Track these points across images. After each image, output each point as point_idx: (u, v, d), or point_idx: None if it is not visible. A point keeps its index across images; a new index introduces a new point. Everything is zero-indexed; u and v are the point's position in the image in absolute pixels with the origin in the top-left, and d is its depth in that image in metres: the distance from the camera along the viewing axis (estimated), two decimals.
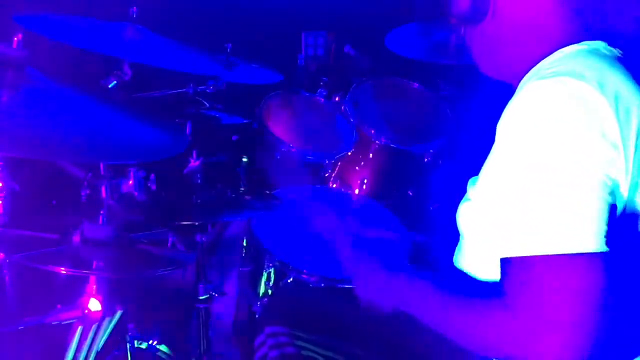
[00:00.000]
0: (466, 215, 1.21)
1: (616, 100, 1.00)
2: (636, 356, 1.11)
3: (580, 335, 0.94)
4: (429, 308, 1.14)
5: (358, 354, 1.39)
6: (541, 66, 1.12)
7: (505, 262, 1.02)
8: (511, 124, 1.03)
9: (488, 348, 1.04)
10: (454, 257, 1.29)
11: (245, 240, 2.05)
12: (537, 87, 1.03)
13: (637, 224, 1.05)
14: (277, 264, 1.84)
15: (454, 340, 1.09)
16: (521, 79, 1.14)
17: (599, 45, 1.11)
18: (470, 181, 1.23)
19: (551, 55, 1.12)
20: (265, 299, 1.88)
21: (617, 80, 1.03)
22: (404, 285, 1.21)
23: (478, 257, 1.19)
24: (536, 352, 0.95)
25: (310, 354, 1.39)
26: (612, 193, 0.99)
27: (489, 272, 1.16)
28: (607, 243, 0.96)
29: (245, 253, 2.04)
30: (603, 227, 0.96)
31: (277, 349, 1.41)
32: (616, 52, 1.11)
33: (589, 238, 0.96)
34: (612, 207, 0.98)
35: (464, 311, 1.07)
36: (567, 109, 0.99)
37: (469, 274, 1.21)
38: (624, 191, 1.00)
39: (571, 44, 1.12)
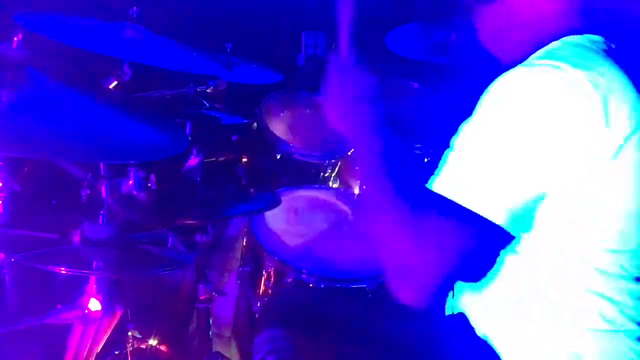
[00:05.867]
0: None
1: (605, 94, 1.03)
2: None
3: (437, 274, 1.05)
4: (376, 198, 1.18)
5: (357, 358, 1.39)
6: (538, 54, 1.14)
7: (432, 193, 1.08)
8: (493, 94, 1.07)
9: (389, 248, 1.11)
10: None
11: (245, 240, 2.05)
12: (525, 69, 1.07)
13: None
14: (276, 264, 1.83)
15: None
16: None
17: (597, 39, 1.13)
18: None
19: (549, 45, 1.14)
20: (265, 299, 1.87)
21: (610, 74, 1.06)
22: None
23: None
24: (408, 267, 1.06)
25: (309, 358, 1.39)
26: (553, 184, 1.04)
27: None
28: (510, 221, 1.04)
29: (245, 253, 2.04)
30: (518, 207, 1.04)
31: (275, 354, 1.40)
32: (613, 47, 1.12)
33: (499, 209, 1.03)
34: (543, 195, 1.05)
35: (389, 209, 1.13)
36: (550, 93, 1.02)
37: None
38: (580, 177, 1.05)
39: (572, 34, 1.14)
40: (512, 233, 1.07)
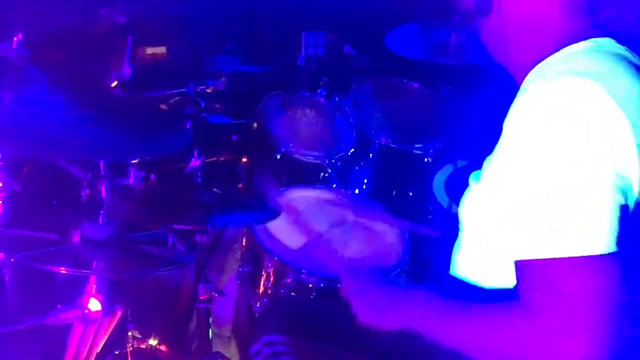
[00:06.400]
0: (470, 209, 1.20)
1: (625, 98, 1.00)
2: None
3: (597, 336, 0.94)
4: (442, 322, 1.12)
5: None
6: (548, 63, 1.12)
7: (522, 265, 1.01)
8: (520, 124, 1.02)
9: (512, 356, 1.02)
10: (453, 253, 1.29)
11: (245, 240, 2.05)
12: (545, 87, 1.02)
13: None
14: (276, 263, 1.83)
15: (474, 354, 1.07)
16: (526, 74, 1.14)
17: (606, 42, 1.11)
18: (472, 175, 1.22)
19: (558, 53, 1.12)
20: (265, 300, 1.87)
21: (626, 78, 1.03)
22: (411, 302, 1.19)
23: (477, 252, 1.19)
24: (558, 354, 0.95)
25: None
26: (624, 193, 0.98)
27: (487, 269, 1.16)
28: (620, 243, 0.96)
29: (244, 253, 2.03)
30: (615, 228, 0.96)
31: (273, 358, 1.40)
32: (623, 49, 1.11)
33: (602, 239, 0.95)
34: (624, 208, 0.98)
35: (482, 321, 1.05)
36: (576, 110, 0.98)
37: (470, 282, 1.20)
38: (636, 191, 1.00)
39: (578, 41, 1.12)
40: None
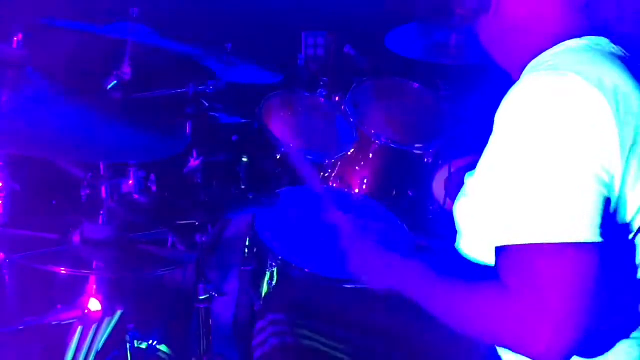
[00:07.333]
0: (463, 209, 1.21)
1: (615, 95, 1.01)
2: (619, 340, 1.12)
3: (572, 323, 0.96)
4: (426, 290, 1.16)
5: (361, 344, 1.39)
6: (541, 59, 1.13)
7: (501, 250, 1.03)
8: (508, 115, 1.04)
9: (483, 333, 1.06)
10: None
11: (247, 239, 2.05)
12: (534, 80, 1.04)
13: (627, 217, 1.05)
14: (279, 263, 1.83)
15: (449, 324, 1.10)
16: (522, 70, 1.15)
17: (601, 41, 1.12)
18: (467, 175, 1.23)
19: (552, 49, 1.13)
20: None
21: (617, 76, 1.04)
22: (402, 266, 1.22)
23: (475, 253, 1.20)
24: (529, 338, 0.97)
25: (311, 343, 1.39)
26: (608, 186, 1.00)
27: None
28: (601, 234, 0.98)
29: (247, 252, 2.04)
30: (597, 219, 0.98)
31: (278, 337, 1.40)
32: (618, 49, 1.11)
33: (583, 228, 0.97)
34: (607, 201, 1.00)
35: (461, 295, 1.08)
36: (563, 102, 0.99)
37: (467, 257, 1.22)
38: (617, 186, 1.01)
39: (573, 38, 1.13)
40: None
